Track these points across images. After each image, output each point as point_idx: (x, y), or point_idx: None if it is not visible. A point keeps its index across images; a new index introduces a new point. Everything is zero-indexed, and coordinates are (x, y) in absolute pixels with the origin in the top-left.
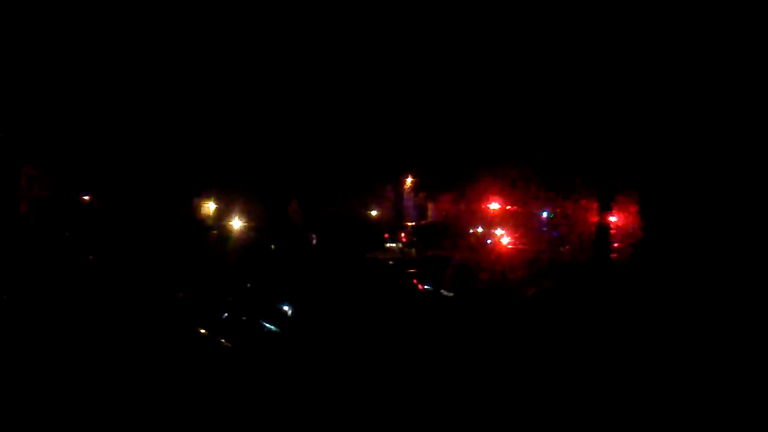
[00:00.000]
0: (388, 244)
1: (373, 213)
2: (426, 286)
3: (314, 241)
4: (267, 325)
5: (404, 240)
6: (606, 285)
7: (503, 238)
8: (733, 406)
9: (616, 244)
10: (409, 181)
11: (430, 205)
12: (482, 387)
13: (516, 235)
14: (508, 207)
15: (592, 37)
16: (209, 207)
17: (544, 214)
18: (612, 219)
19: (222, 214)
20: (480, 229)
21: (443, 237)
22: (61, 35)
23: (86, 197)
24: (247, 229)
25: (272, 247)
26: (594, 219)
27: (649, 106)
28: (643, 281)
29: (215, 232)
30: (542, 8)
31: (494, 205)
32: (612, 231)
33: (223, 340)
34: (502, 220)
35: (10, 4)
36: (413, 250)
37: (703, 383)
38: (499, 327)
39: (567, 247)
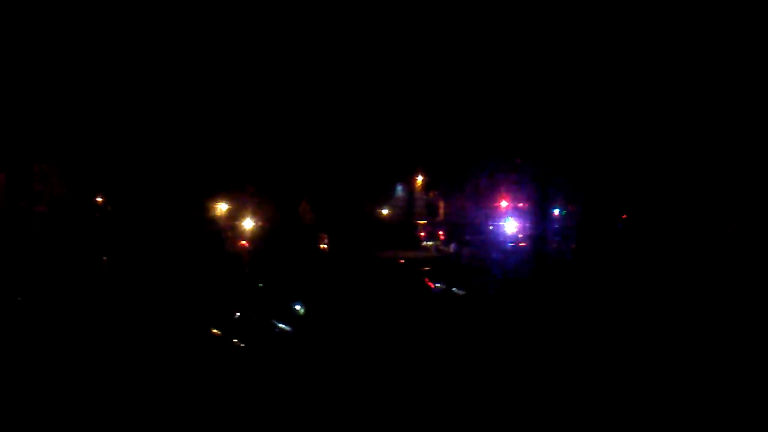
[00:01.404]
0: (424, 243)
1: (384, 212)
2: (437, 285)
3: (325, 241)
4: (279, 324)
5: (442, 238)
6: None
7: (513, 234)
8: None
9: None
10: (419, 179)
11: (441, 204)
12: (490, 382)
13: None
14: (519, 204)
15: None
16: (221, 207)
17: (555, 212)
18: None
19: (233, 214)
20: (491, 227)
21: (473, 234)
22: (77, 36)
23: (100, 199)
24: (259, 230)
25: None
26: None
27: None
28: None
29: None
30: (546, 16)
31: (504, 203)
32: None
33: (235, 340)
34: (512, 217)
35: (21, 4)
36: (450, 247)
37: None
38: (506, 323)
39: (573, 244)
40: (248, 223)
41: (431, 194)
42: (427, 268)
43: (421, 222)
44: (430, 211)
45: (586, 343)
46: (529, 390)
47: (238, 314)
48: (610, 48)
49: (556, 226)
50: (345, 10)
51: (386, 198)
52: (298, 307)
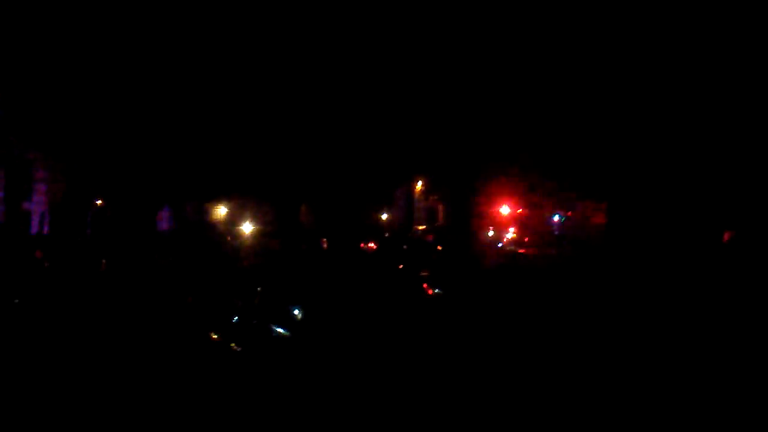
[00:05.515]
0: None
1: (384, 217)
2: (436, 290)
3: (325, 246)
4: (277, 329)
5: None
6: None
7: (514, 241)
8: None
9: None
10: (419, 184)
11: (440, 208)
12: (488, 389)
13: (527, 238)
14: (519, 210)
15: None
16: (221, 211)
17: (556, 218)
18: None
19: (233, 218)
20: (491, 233)
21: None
22: (75, 40)
23: (99, 202)
24: (258, 234)
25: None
26: (601, 221)
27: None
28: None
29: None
30: (546, 14)
31: (505, 209)
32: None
33: (233, 344)
34: (513, 223)
35: (19, 5)
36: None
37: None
38: (505, 329)
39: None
40: (248, 227)
41: (431, 199)
42: (425, 273)
43: (420, 227)
44: (430, 217)
45: (580, 346)
46: (523, 394)
47: (237, 318)
48: (587, 52)
49: (556, 233)
50: (345, 16)
51: (386, 203)
52: (296, 312)
